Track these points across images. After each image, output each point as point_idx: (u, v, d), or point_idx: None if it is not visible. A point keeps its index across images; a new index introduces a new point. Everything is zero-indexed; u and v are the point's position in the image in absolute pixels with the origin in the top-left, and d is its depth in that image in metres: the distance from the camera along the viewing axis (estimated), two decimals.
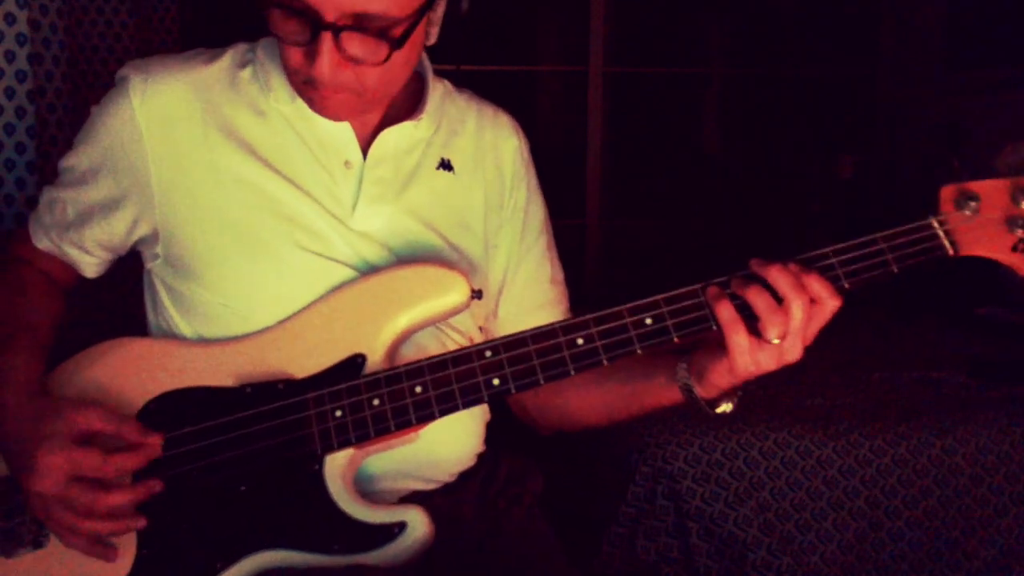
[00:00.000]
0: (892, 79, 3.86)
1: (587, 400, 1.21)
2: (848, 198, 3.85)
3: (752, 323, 0.99)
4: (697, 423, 1.90)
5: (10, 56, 1.66)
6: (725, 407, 1.08)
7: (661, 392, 1.11)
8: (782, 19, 4.29)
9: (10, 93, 1.68)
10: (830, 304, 0.98)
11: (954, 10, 3.48)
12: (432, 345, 1.12)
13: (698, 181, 4.47)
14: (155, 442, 1.00)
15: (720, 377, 1.03)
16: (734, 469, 1.86)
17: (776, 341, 0.98)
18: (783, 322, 0.97)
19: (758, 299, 0.98)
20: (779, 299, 0.98)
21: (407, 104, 1.19)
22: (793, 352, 0.99)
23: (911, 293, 3.04)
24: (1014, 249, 1.03)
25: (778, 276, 0.98)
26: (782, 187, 4.17)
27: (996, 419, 1.98)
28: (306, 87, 1.06)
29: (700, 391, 1.06)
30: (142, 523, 0.99)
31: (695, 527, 1.85)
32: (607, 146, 4.03)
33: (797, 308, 0.97)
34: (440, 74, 1.27)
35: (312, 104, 1.09)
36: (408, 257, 1.14)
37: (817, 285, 0.98)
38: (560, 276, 1.32)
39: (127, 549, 1.01)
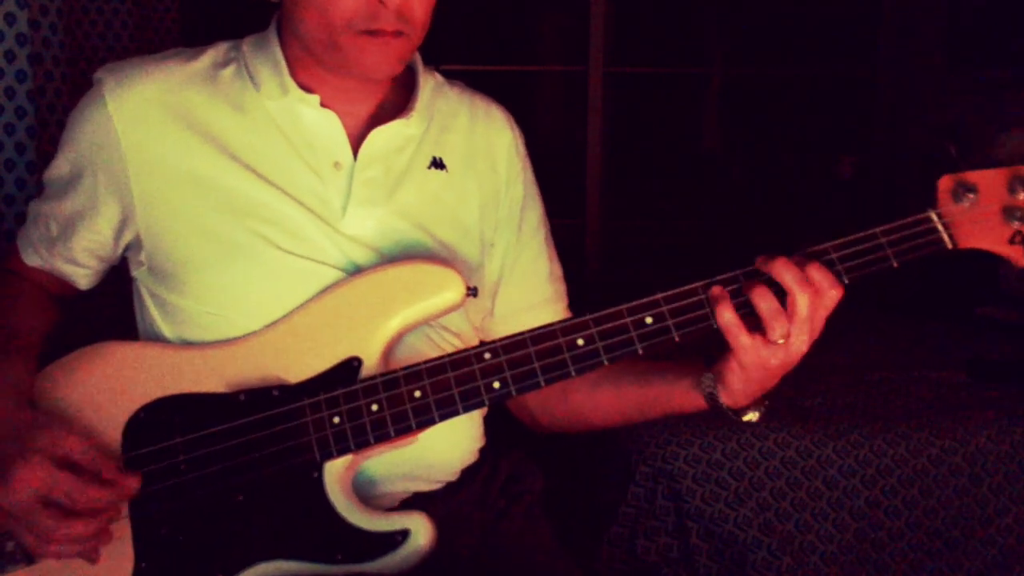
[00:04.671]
0: (892, 79, 3.86)
1: (600, 403, 1.19)
2: (848, 198, 3.85)
3: (756, 320, 0.98)
4: (697, 423, 1.90)
5: (10, 56, 1.66)
6: (751, 416, 1.07)
7: (684, 399, 1.10)
8: (782, 19, 4.29)
9: (10, 93, 1.68)
10: (830, 294, 0.98)
11: (954, 10, 3.48)
12: (426, 348, 1.10)
13: (698, 181, 4.47)
14: (131, 483, 0.98)
15: (735, 378, 1.02)
16: (734, 469, 1.85)
17: (781, 342, 0.98)
18: (787, 323, 0.97)
19: (761, 302, 0.97)
20: (783, 293, 0.97)
21: (397, 101, 1.17)
22: (799, 346, 0.99)
23: (911, 293, 3.04)
24: (1011, 241, 1.01)
25: (783, 270, 0.97)
26: (782, 187, 4.17)
27: (996, 419, 1.98)
28: (360, 38, 1.04)
29: (725, 399, 1.05)
30: (106, 539, 0.98)
31: (695, 527, 1.84)
32: (607, 146, 4.03)
33: (803, 302, 0.96)
34: (441, 74, 1.26)
35: (365, 56, 1.05)
36: (400, 256, 1.11)
37: (817, 275, 0.97)
38: (559, 272, 1.30)
39: (125, 562, 0.99)
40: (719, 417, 1.07)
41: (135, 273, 1.15)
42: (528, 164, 1.28)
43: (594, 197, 4.01)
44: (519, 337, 1.02)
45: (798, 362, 1.01)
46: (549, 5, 4.48)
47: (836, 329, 1.02)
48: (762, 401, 1.07)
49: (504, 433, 1.27)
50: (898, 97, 3.81)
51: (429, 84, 1.20)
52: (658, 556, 1.86)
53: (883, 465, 1.89)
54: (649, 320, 1.00)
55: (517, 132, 1.27)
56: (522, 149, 1.27)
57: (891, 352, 2.51)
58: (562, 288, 1.30)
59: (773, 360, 0.99)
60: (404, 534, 0.98)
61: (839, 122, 4.09)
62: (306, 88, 1.11)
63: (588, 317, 1.01)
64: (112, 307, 1.27)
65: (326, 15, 1.03)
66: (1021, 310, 2.71)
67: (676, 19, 4.49)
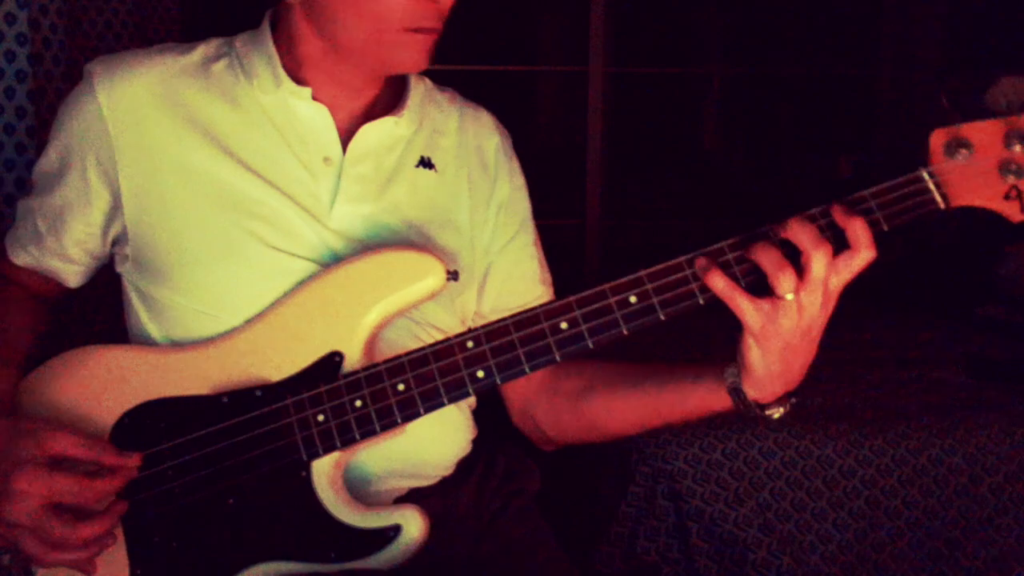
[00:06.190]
0: (892, 79, 3.86)
1: (617, 408, 1.15)
2: None
3: (758, 286, 0.94)
4: (697, 423, 1.90)
5: (10, 56, 1.66)
6: (775, 411, 1.03)
7: (707, 394, 1.05)
8: (782, 18, 4.29)
9: (10, 93, 1.68)
10: (863, 254, 0.93)
11: (954, 10, 3.48)
12: (411, 344, 1.07)
13: (698, 181, 4.48)
14: (134, 463, 0.97)
15: (754, 356, 0.97)
16: (734, 469, 1.85)
17: (790, 296, 0.92)
18: (793, 276, 0.92)
19: (764, 256, 0.93)
20: (796, 253, 0.92)
21: (388, 101, 1.17)
22: (812, 308, 0.93)
23: (909, 291, 3.04)
24: (1007, 197, 0.96)
25: (799, 230, 0.93)
26: (782, 187, 4.17)
27: (996, 419, 1.98)
28: (405, 35, 1.05)
29: (749, 388, 1.01)
30: (112, 542, 0.96)
31: (695, 527, 1.85)
32: (607, 146, 4.03)
33: (817, 261, 0.92)
34: (441, 74, 1.26)
35: (407, 53, 1.07)
36: (376, 245, 1.09)
37: (860, 229, 0.92)
38: (547, 278, 1.27)
39: (119, 571, 0.98)
40: (744, 417, 1.03)
41: (120, 269, 1.14)
42: (516, 166, 1.27)
43: (594, 197, 4.00)
44: (501, 323, 1.00)
45: (817, 333, 0.96)
46: (549, 5, 4.49)
47: (836, 328, 1.00)
48: (787, 398, 1.02)
49: (500, 432, 1.26)
50: (898, 97, 3.81)
51: (420, 88, 1.20)
52: (658, 556, 1.87)
53: (883, 465, 1.89)
54: (633, 299, 0.98)
55: (505, 135, 1.27)
56: (510, 151, 1.27)
57: (891, 352, 2.51)
58: (551, 294, 1.27)
59: (785, 321, 0.93)
60: (396, 529, 0.97)
61: (839, 122, 4.09)
62: (298, 82, 1.11)
63: (571, 299, 0.99)
64: (106, 311, 1.26)
65: (375, 14, 1.04)
66: (1021, 310, 2.71)
67: (676, 19, 4.50)
